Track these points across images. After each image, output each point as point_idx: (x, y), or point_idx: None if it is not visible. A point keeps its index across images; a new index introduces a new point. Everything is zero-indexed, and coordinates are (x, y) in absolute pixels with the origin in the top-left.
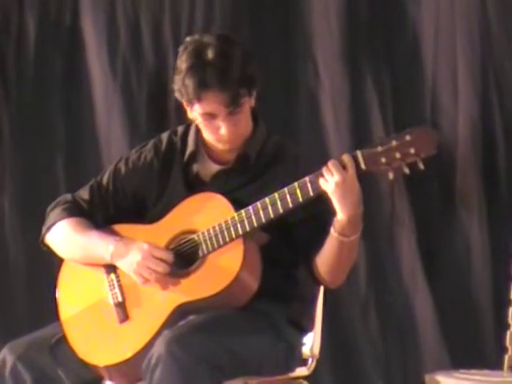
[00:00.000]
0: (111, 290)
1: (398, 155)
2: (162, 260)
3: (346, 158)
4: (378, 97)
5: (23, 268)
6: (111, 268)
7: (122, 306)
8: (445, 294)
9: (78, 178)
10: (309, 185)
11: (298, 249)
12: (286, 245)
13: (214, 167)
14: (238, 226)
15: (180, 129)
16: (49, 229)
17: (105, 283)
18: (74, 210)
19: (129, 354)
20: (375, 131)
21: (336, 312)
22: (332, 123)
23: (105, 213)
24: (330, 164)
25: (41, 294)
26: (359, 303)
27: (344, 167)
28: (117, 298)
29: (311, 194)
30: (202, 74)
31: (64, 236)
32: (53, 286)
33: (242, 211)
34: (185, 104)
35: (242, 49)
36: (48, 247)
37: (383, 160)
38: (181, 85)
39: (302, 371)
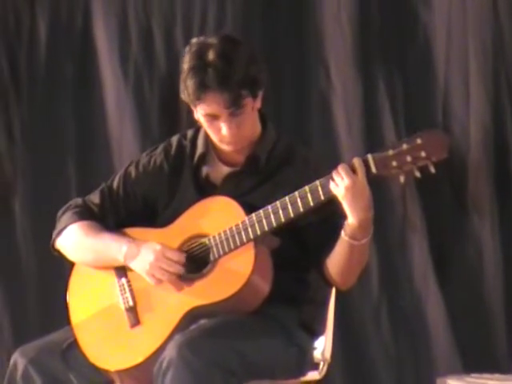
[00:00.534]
0: (122, 294)
1: (408, 159)
2: (174, 261)
3: (356, 161)
4: (389, 101)
5: (34, 271)
6: (122, 272)
7: (133, 311)
8: (457, 299)
9: (90, 181)
10: (320, 189)
11: (309, 252)
12: (297, 248)
13: (224, 169)
14: (249, 230)
15: (190, 132)
16: (59, 233)
17: (116, 287)
18: (85, 214)
19: (140, 359)
20: (387, 135)
21: (348, 316)
22: (344, 127)
23: (116, 217)
24: (340, 168)
25: (52, 298)
26: (371, 307)
27: (354, 171)
28: (128, 302)
29: (322, 198)
30: (202, 75)
31: (75, 239)
32: (64, 290)
33: (253, 215)
34: (190, 105)
35: (246, 50)
36: (59, 252)
37: (394, 163)
38: (183, 86)
39: (313, 375)
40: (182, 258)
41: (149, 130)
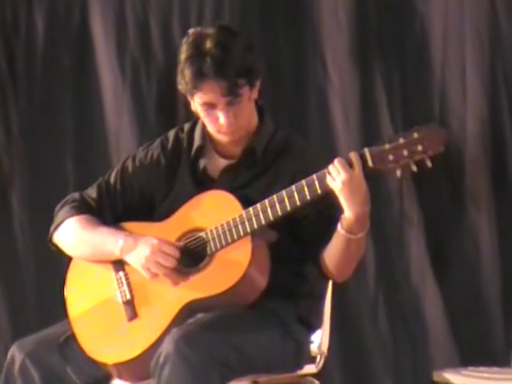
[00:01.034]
0: (120, 287)
1: (405, 153)
2: (170, 255)
3: (353, 156)
4: (386, 95)
5: (32, 265)
6: (120, 266)
7: (130, 304)
8: (454, 292)
9: (87, 175)
10: (316, 182)
11: (306, 244)
12: (294, 242)
13: (222, 162)
14: (246, 223)
15: (187, 125)
16: (57, 227)
17: (113, 281)
18: (83, 208)
19: (137, 352)
20: (384, 129)
21: (345, 310)
22: (341, 121)
23: (113, 211)
24: (337, 162)
25: (49, 292)
26: (368, 301)
27: (351, 165)
28: (125, 295)
29: (319, 191)
30: (199, 64)
31: (72, 234)
32: (61, 284)
33: (250, 209)
34: (187, 96)
35: (242, 39)
36: (56, 246)
37: (391, 158)
38: (181, 76)
39: (310, 369)
40: (177, 252)
41: (146, 124)
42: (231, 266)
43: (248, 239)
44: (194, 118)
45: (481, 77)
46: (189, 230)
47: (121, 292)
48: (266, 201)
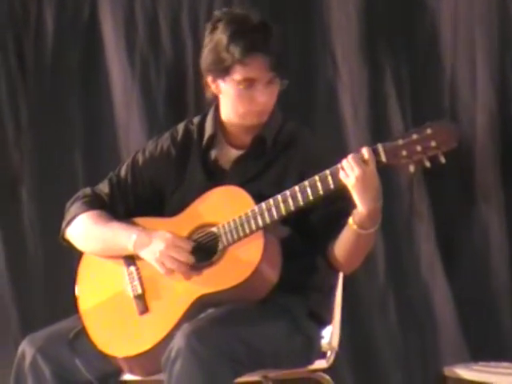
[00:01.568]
0: (131, 282)
1: (418, 148)
2: (184, 249)
3: (366, 151)
4: (396, 89)
5: (42, 260)
6: (131, 260)
7: (141, 298)
8: (464, 287)
9: (97, 169)
10: (329, 178)
11: (316, 237)
12: (305, 235)
13: (233, 152)
14: (259, 218)
15: (196, 118)
16: (69, 223)
17: (125, 275)
18: (95, 203)
19: (148, 346)
20: (393, 123)
21: (355, 305)
22: (350, 115)
23: (125, 205)
24: (351, 157)
25: (59, 286)
26: (378, 296)
27: (364, 161)
28: (136, 290)
29: (332, 186)
30: (250, 37)
31: (84, 229)
32: (72, 278)
33: (263, 204)
34: (211, 80)
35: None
36: (68, 242)
37: (404, 153)
38: (218, 54)
39: (321, 364)
40: (190, 247)
41: (155, 119)
42: (243, 261)
43: (260, 234)
44: (203, 112)
45: (490, 71)
46: (200, 225)
47: (132, 286)
48: (279, 196)
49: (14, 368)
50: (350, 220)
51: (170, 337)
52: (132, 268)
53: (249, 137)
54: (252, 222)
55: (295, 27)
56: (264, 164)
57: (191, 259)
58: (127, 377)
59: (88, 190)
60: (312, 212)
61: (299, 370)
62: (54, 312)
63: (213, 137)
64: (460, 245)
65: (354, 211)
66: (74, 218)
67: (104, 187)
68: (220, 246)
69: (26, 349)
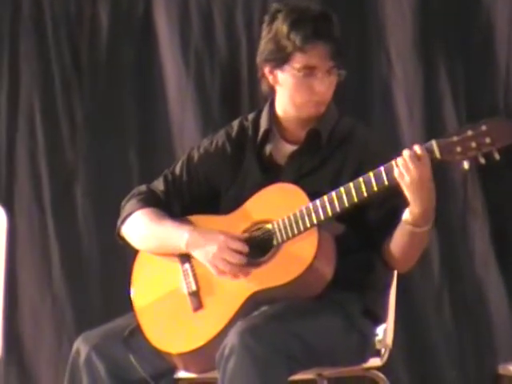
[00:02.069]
0: (186, 279)
1: (473, 145)
2: (237, 251)
3: (420, 149)
4: (450, 87)
5: (97, 257)
6: (186, 258)
7: (196, 295)
8: None
9: (151, 167)
10: (384, 175)
11: (371, 234)
12: (359, 232)
13: (288, 148)
14: (313, 215)
15: (251, 115)
16: (124, 220)
17: (179, 273)
18: (150, 201)
19: (202, 342)
20: (448, 121)
21: (409, 303)
22: (405, 114)
23: (181, 202)
24: (406, 156)
25: (114, 284)
26: (432, 294)
27: (419, 159)
28: (191, 286)
29: (386, 183)
30: (311, 25)
31: (139, 226)
32: (127, 276)
33: (317, 201)
34: (268, 70)
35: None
36: (123, 240)
37: (458, 149)
38: (278, 42)
39: (375, 362)
40: (245, 248)
41: (210, 117)
42: (297, 257)
43: (314, 230)
44: (257, 109)
45: None
46: (255, 221)
47: (187, 283)
48: (333, 192)
49: (68, 365)
50: (404, 218)
51: (223, 333)
52: (187, 265)
53: (304, 131)
54: (306, 218)
55: (350, 25)
56: (320, 159)
57: (244, 261)
58: (181, 374)
59: (143, 188)
60: (367, 209)
61: (354, 368)
62: (109, 310)
63: (268, 131)
64: None
65: (408, 210)
66: (129, 215)
67: (159, 184)
68: (274, 243)
69: (81, 346)
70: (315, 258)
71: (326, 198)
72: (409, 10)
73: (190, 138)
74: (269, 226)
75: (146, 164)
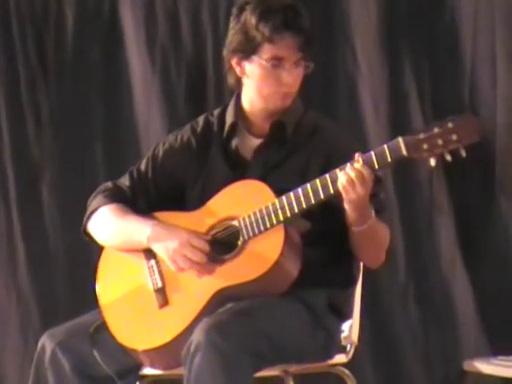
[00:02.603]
0: (151, 275)
1: (440, 142)
2: (198, 249)
3: (365, 170)
4: (416, 83)
5: (62, 254)
6: (151, 254)
7: (161, 292)
8: (484, 281)
9: (117, 164)
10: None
11: (338, 231)
12: (327, 230)
13: (253, 141)
14: (279, 212)
15: (216, 110)
16: (89, 216)
17: (145, 269)
18: (116, 196)
19: (167, 339)
20: (413, 118)
21: (375, 299)
22: (370, 109)
23: (147, 198)
24: (353, 175)
25: (80, 281)
26: (398, 290)
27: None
28: (157, 283)
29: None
30: (280, 16)
31: (104, 221)
32: (92, 273)
33: (283, 197)
34: (236, 62)
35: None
36: (89, 237)
37: (425, 147)
38: (247, 33)
39: (341, 358)
40: (206, 247)
41: (176, 114)
42: (263, 254)
43: (280, 227)
44: (223, 105)
45: (511, 65)
46: (221, 218)
47: (152, 280)
48: (299, 189)
49: (33, 362)
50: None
51: (189, 330)
52: (152, 262)
53: (269, 125)
54: (273, 215)
55: (315, 20)
56: (286, 152)
57: (204, 259)
58: (147, 371)
59: (109, 184)
60: (332, 206)
61: (320, 365)
62: (75, 307)
63: (234, 125)
64: (480, 239)
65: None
66: (94, 211)
67: (125, 181)
68: (240, 240)
69: (46, 343)
70: (281, 255)
71: (292, 194)
72: (374, 7)
73: (156, 135)
74: (235, 222)
75: (112, 161)
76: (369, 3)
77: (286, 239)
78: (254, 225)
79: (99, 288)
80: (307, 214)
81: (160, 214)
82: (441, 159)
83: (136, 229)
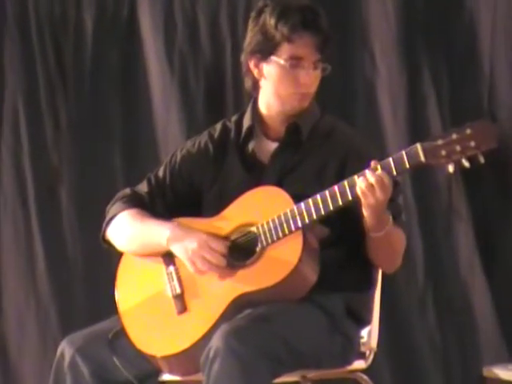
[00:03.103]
0: (170, 282)
1: (458, 148)
2: (217, 251)
3: (384, 176)
4: (434, 87)
5: (81, 260)
6: (170, 260)
7: (180, 298)
8: (503, 287)
9: (136, 170)
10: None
11: (355, 237)
12: (344, 234)
13: (270, 145)
14: (298, 218)
15: (234, 117)
16: (108, 223)
17: (163, 275)
18: (134, 202)
19: (186, 345)
20: (432, 122)
21: (393, 305)
22: (389, 114)
23: (164, 203)
24: (373, 181)
25: (99, 287)
26: (417, 296)
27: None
28: (175, 289)
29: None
30: (299, 16)
31: (123, 227)
32: (111, 279)
33: (302, 203)
34: (254, 64)
35: None
36: (109, 243)
37: (443, 153)
38: (266, 33)
39: (359, 364)
40: (224, 249)
41: (194, 119)
42: (281, 261)
43: (299, 234)
44: (241, 110)
45: None
46: (240, 224)
47: (171, 286)
48: (318, 195)
49: (53, 368)
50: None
51: (208, 336)
52: (171, 268)
53: (285, 127)
54: (291, 221)
55: (334, 24)
56: (301, 155)
57: (223, 262)
58: (166, 377)
59: (127, 191)
60: (350, 212)
61: (338, 371)
62: (94, 313)
63: (251, 128)
64: (499, 243)
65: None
66: (113, 217)
67: (143, 187)
68: (259, 246)
69: (66, 349)
70: (300, 261)
71: (310, 200)
72: (392, 11)
73: (174, 140)
74: (253, 228)
75: (131, 166)
76: (387, 7)
77: (304, 245)
78: (273, 231)
79: (118, 294)
80: (325, 219)
81: (178, 221)
82: (459, 165)
83: (155, 231)
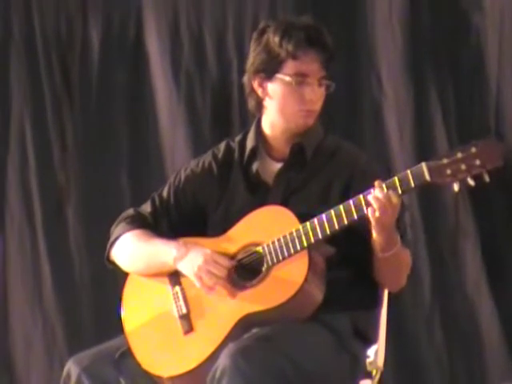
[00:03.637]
0: (176, 302)
1: (463, 167)
2: (223, 266)
3: (394, 196)
4: (441, 108)
5: (88, 279)
6: (176, 280)
7: (186, 318)
8: (510, 307)
9: (143, 189)
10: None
11: (361, 256)
12: (351, 255)
13: (274, 165)
14: (303, 237)
15: (237, 137)
16: (113, 244)
17: (169, 295)
18: (138, 222)
19: (193, 365)
20: (439, 142)
21: (400, 323)
22: (396, 134)
23: (168, 224)
24: (382, 197)
25: (105, 306)
26: (424, 314)
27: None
28: (181, 310)
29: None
30: (303, 33)
31: (128, 247)
32: (117, 299)
33: (307, 223)
34: (258, 83)
35: None
36: (113, 264)
37: (448, 172)
38: (270, 51)
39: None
40: (230, 263)
41: (201, 139)
42: (288, 280)
43: (304, 253)
44: (244, 130)
45: None
46: (246, 244)
47: (177, 306)
48: (324, 215)
49: None
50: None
51: (214, 356)
52: (177, 288)
53: (289, 148)
54: (297, 241)
55: (340, 45)
56: (306, 175)
57: (227, 274)
58: None
59: (131, 211)
60: (356, 231)
61: None
62: (100, 332)
63: (254, 149)
64: (506, 263)
65: (372, 239)
66: (117, 238)
67: (147, 207)
68: (265, 266)
69: (72, 368)
70: (306, 280)
71: (316, 220)
72: (399, 31)
73: (181, 159)
74: (259, 248)
75: (138, 185)
76: (394, 28)
77: (310, 265)
78: (278, 251)
79: (124, 314)
80: (331, 239)
81: (183, 240)
82: (464, 184)
83: (162, 250)
